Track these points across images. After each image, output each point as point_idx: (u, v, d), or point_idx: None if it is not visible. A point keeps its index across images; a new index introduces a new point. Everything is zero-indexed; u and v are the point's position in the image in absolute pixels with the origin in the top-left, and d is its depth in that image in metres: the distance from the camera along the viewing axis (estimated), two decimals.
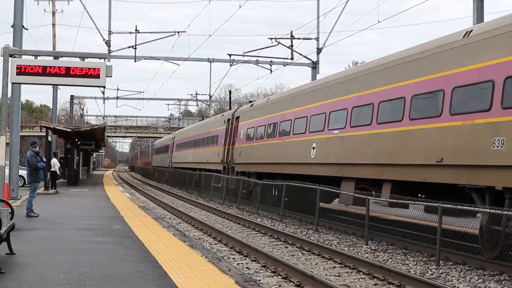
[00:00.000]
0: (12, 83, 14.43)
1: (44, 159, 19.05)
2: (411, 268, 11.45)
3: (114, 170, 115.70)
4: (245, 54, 36.20)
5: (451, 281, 10.35)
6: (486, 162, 11.18)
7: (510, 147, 10.62)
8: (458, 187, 12.19)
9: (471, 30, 12.48)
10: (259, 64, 36.78)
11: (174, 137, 56.32)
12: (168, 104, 70.43)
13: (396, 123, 14.44)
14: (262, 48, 36.05)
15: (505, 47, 11.14)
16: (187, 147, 46.72)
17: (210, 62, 37.90)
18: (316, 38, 33.33)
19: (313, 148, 19.12)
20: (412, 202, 13.39)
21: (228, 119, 31.61)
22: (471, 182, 11.69)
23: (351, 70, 18.49)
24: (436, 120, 12.84)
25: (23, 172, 28.82)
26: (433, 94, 13.11)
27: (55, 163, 31.13)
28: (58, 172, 32.07)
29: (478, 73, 11.74)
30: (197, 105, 77.44)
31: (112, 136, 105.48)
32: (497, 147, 10.88)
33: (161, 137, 76.83)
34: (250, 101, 45.34)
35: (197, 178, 35.01)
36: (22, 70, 13.62)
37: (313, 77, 34.31)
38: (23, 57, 15.39)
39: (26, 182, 17.57)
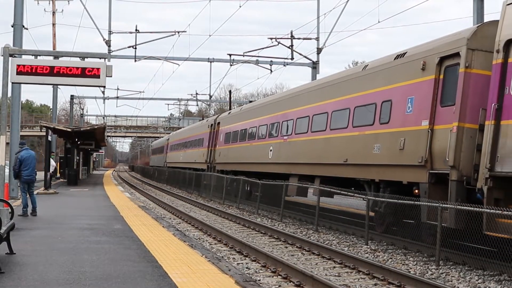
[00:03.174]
0: (12, 82, 14.42)
1: None
2: (411, 268, 11.46)
3: (114, 170, 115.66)
4: (245, 54, 36.19)
5: (451, 281, 10.36)
6: (370, 162, 15.27)
7: (383, 151, 14.72)
8: (356, 180, 16.26)
9: (367, 65, 16.57)
10: (259, 64, 36.77)
11: (169, 138, 58.75)
12: (168, 104, 70.64)
13: (322, 132, 18.55)
14: (262, 48, 36.10)
15: (382, 80, 15.26)
16: (179, 148, 49.87)
17: (210, 62, 37.88)
18: (316, 38, 33.30)
19: (271, 150, 23.25)
20: (341, 193, 17.00)
21: (211, 124, 35.12)
22: (363, 176, 15.80)
23: (299, 88, 22.57)
24: (344, 130, 16.99)
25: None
26: (343, 111, 17.20)
27: (52, 164, 31.30)
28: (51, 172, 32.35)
29: (368, 97, 15.86)
30: (197, 105, 77.45)
31: (112, 136, 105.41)
32: (376, 151, 15.02)
33: (161, 137, 77.13)
34: (250, 101, 45.78)
35: (197, 178, 35.10)
36: (22, 70, 13.61)
37: (313, 77, 34.26)
38: (23, 57, 15.37)
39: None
